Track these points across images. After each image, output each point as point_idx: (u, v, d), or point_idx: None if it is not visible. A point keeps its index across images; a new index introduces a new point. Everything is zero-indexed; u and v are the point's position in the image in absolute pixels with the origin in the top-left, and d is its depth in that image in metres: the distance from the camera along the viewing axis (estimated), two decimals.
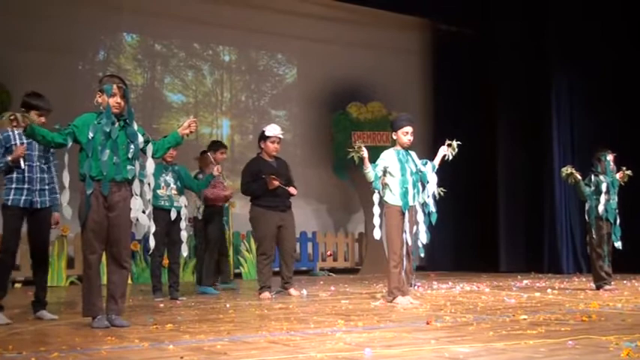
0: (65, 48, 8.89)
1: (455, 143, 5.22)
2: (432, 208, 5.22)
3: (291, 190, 6.00)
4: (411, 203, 5.07)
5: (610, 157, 6.23)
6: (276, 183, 5.87)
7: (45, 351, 2.93)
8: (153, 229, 4.12)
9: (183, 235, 5.82)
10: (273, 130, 6.03)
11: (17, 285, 7.96)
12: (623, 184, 6.27)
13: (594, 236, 6.15)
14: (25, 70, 8.49)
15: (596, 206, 6.14)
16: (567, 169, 6.21)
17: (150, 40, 9.93)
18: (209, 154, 6.77)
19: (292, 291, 6.01)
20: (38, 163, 4.38)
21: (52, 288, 7.68)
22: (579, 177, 6.17)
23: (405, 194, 5.05)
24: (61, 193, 4.62)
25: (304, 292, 6.19)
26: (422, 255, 5.35)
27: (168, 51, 10.08)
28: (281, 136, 6.08)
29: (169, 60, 10.05)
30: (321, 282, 8.18)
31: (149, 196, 4.10)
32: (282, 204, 5.97)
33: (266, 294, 5.84)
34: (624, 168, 6.25)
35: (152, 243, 4.18)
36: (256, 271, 6.14)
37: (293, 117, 10.81)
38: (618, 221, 6.20)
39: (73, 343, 3.20)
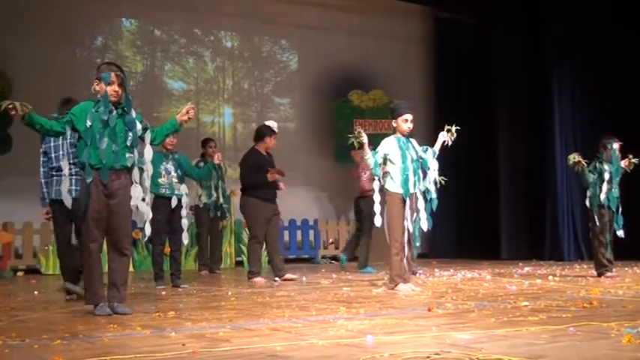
0: (63, 34, 8.84)
1: (454, 128, 5.21)
2: (434, 195, 5.22)
3: (282, 185, 6.37)
4: (411, 191, 5.06)
5: (616, 146, 6.20)
6: (276, 176, 6.21)
7: (48, 338, 2.93)
8: (150, 216, 4.12)
9: (184, 222, 5.82)
10: (275, 126, 6.40)
11: (19, 274, 7.98)
12: (629, 171, 6.23)
13: (596, 223, 6.15)
14: (24, 57, 8.47)
15: (598, 194, 6.13)
16: (574, 157, 6.19)
17: (149, 25, 9.84)
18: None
19: (289, 275, 6.26)
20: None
21: (54, 276, 7.73)
22: (585, 165, 6.15)
23: (405, 182, 5.04)
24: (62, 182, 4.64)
25: (303, 278, 6.30)
26: (418, 244, 5.37)
27: (168, 37, 9.99)
28: None
29: (170, 46, 9.97)
30: (323, 270, 8.19)
31: (147, 183, 4.10)
32: (273, 196, 6.34)
33: (259, 280, 6.09)
34: (631, 156, 6.21)
35: (148, 230, 4.17)
36: (248, 255, 6.48)
37: (295, 105, 10.77)
38: (620, 210, 6.19)
39: (76, 330, 3.21)
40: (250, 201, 6.27)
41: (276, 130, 6.36)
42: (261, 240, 6.27)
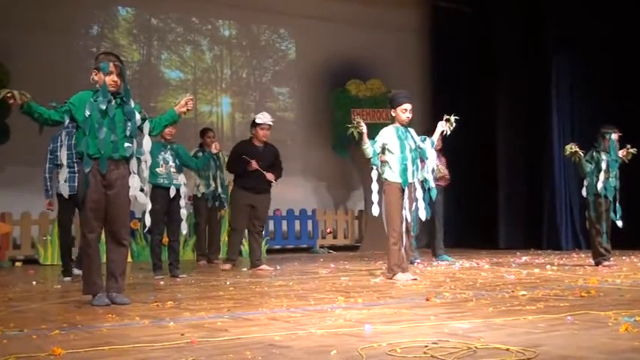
0: (58, 23, 8.78)
1: (453, 118, 5.20)
2: (432, 184, 5.22)
3: (268, 175, 6.38)
4: (410, 180, 5.06)
5: (615, 137, 6.18)
6: (254, 166, 6.27)
7: (46, 329, 2.94)
8: (149, 207, 4.11)
9: (183, 212, 5.82)
10: (263, 117, 6.44)
11: (18, 264, 7.98)
12: (627, 161, 6.23)
13: (593, 213, 6.15)
14: (20, 47, 8.41)
15: (595, 183, 6.13)
16: (571, 147, 6.18)
17: (146, 14, 9.76)
18: None
19: (264, 267, 6.36)
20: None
21: (52, 267, 7.74)
22: (582, 154, 6.15)
23: (404, 171, 5.04)
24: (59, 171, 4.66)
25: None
26: (415, 234, 5.38)
27: (165, 25, 9.92)
28: (271, 124, 6.48)
29: (166, 35, 9.90)
30: (321, 259, 8.21)
31: (146, 173, 4.09)
32: (257, 186, 6.37)
33: (227, 265, 6.41)
34: (629, 146, 6.20)
35: (148, 220, 4.17)
36: (228, 242, 6.70)
37: (294, 94, 10.73)
38: (618, 199, 6.19)
39: (74, 320, 3.21)
40: (233, 190, 6.49)
41: (260, 121, 6.39)
42: (240, 229, 6.42)
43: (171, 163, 5.88)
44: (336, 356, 2.25)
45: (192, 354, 2.32)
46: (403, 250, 5.05)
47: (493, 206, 10.04)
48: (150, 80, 9.80)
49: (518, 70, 9.92)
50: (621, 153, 6.21)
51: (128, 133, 3.90)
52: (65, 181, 5.41)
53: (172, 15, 9.89)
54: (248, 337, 2.64)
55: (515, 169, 9.97)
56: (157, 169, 5.74)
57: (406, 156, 5.06)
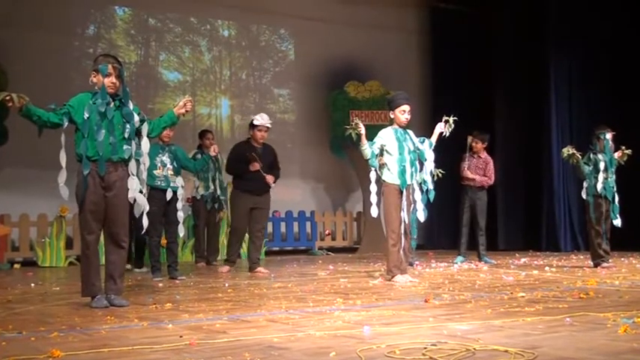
0: (54, 23, 8.75)
1: (452, 120, 5.21)
2: (430, 186, 5.22)
3: (268, 178, 6.36)
4: (408, 182, 5.07)
5: (609, 136, 6.22)
6: (257, 166, 6.27)
7: (45, 331, 2.93)
8: (147, 208, 4.11)
9: (180, 215, 5.81)
10: (262, 119, 6.42)
11: (16, 266, 7.97)
12: (622, 163, 6.26)
13: (592, 214, 6.17)
14: (17, 47, 8.40)
15: (595, 184, 6.15)
16: (568, 150, 6.21)
17: (143, 14, 9.73)
18: None
19: (261, 269, 6.35)
20: None
21: (51, 268, 7.73)
22: (580, 157, 6.18)
23: (402, 173, 5.04)
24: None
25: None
26: (415, 236, 5.39)
27: (163, 26, 9.89)
28: (269, 125, 6.46)
29: (164, 35, 9.87)
30: (320, 261, 8.21)
31: (145, 175, 4.09)
32: (258, 188, 6.37)
33: (226, 267, 6.39)
34: (623, 147, 6.24)
35: (145, 222, 4.16)
36: (227, 244, 6.73)
37: (294, 96, 10.72)
38: (617, 199, 6.21)
39: (73, 322, 3.21)
40: (234, 193, 6.49)
41: (258, 122, 6.37)
42: (242, 229, 6.44)
43: (168, 165, 5.87)
44: (335, 358, 2.25)
45: (191, 356, 2.32)
46: (402, 252, 5.05)
47: (492, 207, 10.03)
48: (148, 81, 9.78)
49: (517, 71, 9.93)
50: (616, 155, 6.24)
51: (127, 135, 3.90)
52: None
53: (170, 15, 9.86)
54: (247, 338, 2.63)
55: (515, 169, 9.97)
56: (155, 172, 5.74)
57: (405, 158, 5.06)
